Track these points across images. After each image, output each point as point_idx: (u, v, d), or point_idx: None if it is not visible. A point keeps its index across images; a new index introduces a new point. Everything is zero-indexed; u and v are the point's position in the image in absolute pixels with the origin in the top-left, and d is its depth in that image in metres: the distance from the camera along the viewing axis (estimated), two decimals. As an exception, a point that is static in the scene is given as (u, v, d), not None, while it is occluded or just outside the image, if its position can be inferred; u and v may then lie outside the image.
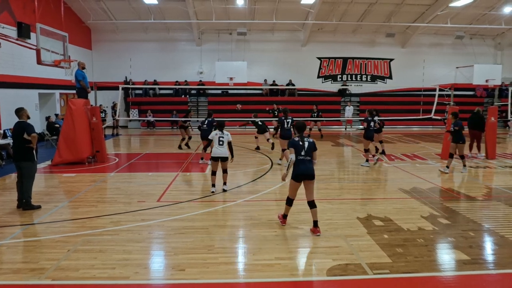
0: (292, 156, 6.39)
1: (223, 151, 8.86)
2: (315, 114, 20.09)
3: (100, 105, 20.18)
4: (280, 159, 12.68)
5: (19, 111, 7.89)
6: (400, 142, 18.55)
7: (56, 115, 18.68)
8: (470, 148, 14.12)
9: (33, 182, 7.85)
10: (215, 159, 8.90)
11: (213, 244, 5.88)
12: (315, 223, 6.41)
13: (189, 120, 16.65)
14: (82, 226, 6.75)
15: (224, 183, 9.18)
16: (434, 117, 14.11)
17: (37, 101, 18.97)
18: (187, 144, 16.35)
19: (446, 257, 5.61)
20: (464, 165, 11.53)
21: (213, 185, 9.02)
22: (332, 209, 7.73)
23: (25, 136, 7.58)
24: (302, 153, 6.40)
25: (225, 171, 9.09)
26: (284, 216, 6.84)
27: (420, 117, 16.71)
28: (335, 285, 4.77)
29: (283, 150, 11.87)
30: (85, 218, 7.14)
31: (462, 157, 11.51)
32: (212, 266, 5.16)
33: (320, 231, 6.35)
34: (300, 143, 6.44)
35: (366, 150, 12.63)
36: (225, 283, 4.78)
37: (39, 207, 7.79)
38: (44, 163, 12.63)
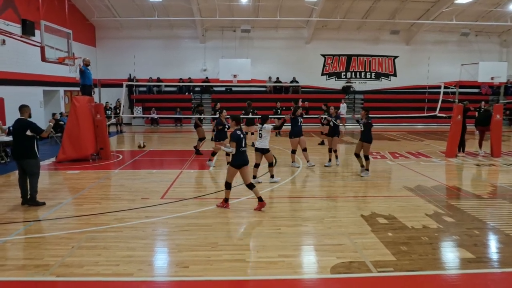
0: (233, 150, 7.23)
1: (262, 144, 9.46)
2: (218, 112, 19.31)
3: (106, 102, 20.25)
4: (292, 162, 11.83)
5: (22, 108, 7.92)
6: (404, 140, 18.48)
7: (61, 113, 18.72)
8: (480, 146, 13.95)
9: (38, 178, 7.87)
10: (256, 151, 9.59)
11: (216, 242, 5.88)
12: (260, 198, 7.38)
13: (202, 117, 15.00)
14: (86, 223, 6.77)
15: (271, 176, 9.73)
16: (439, 114, 14.01)
17: (42, 98, 19.03)
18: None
19: (450, 255, 5.59)
20: (367, 169, 10.58)
21: (254, 177, 9.52)
22: (336, 207, 7.72)
23: (28, 133, 7.59)
24: (243, 145, 7.33)
25: (270, 164, 9.72)
26: (226, 200, 7.59)
27: (425, 114, 16.63)
28: (339, 283, 4.76)
29: (294, 151, 11.71)
30: (89, 215, 7.16)
31: (367, 158, 10.55)
32: (215, 263, 5.16)
33: (265, 205, 7.34)
34: (241, 136, 7.31)
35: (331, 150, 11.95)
36: (229, 280, 4.78)
37: (43, 203, 7.82)
38: (49, 160, 12.67)
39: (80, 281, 4.72)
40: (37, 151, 7.81)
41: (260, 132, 9.50)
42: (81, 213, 7.28)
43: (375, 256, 5.37)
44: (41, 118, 18.76)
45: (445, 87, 14.99)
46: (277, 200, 8.29)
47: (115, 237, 6.10)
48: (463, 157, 13.38)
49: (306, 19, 24.95)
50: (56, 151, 13.20)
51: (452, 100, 14.22)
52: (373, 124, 10.81)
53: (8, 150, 12.95)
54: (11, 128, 13.52)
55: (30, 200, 7.76)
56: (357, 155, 10.70)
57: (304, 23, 25.57)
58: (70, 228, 6.48)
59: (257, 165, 9.68)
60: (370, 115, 10.65)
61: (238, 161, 7.32)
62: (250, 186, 7.41)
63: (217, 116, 17.03)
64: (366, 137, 10.42)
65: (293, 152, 11.79)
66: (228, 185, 7.52)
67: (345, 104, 23.87)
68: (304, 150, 11.73)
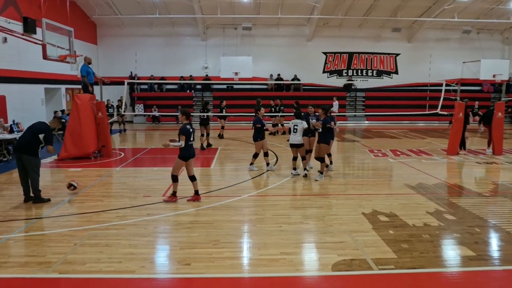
0: (183, 143, 7.51)
1: (295, 139, 9.80)
2: (276, 109, 18.92)
3: (108, 100, 20.21)
4: (306, 170, 10.24)
5: (56, 118, 8.35)
6: (406, 138, 18.47)
7: (62, 110, 18.73)
8: (488, 144, 13.87)
9: (38, 177, 7.89)
10: (291, 146, 10.00)
11: (218, 239, 5.90)
12: (197, 192, 7.85)
13: (208, 114, 15.35)
14: (89, 220, 6.79)
15: (304, 169, 10.04)
16: (440, 112, 14.00)
17: (43, 96, 19.07)
18: (208, 143, 15.09)
19: (451, 253, 5.60)
20: (321, 172, 9.86)
21: (294, 169, 10.18)
22: (338, 205, 7.72)
23: (41, 136, 7.69)
24: (191, 138, 7.68)
25: (303, 158, 10.03)
26: (174, 194, 7.81)
27: (426, 112, 16.60)
28: (340, 281, 4.77)
29: (305, 155, 10.29)
30: (91, 213, 7.18)
31: (322, 160, 9.81)
32: (217, 260, 5.18)
33: (200, 199, 7.74)
34: (191, 130, 7.64)
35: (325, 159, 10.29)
36: (230, 277, 4.80)
37: (48, 200, 7.88)
38: (50, 158, 12.70)
39: (83, 278, 4.74)
40: (38, 153, 7.86)
41: (296, 128, 9.78)
42: (83, 211, 7.31)
43: (376, 253, 5.38)
44: (42, 116, 18.79)
45: (446, 85, 14.96)
46: (279, 197, 8.30)
47: (117, 234, 6.13)
48: (464, 155, 13.37)
49: (307, 16, 24.91)
50: (58, 149, 13.22)
51: (453, 98, 14.21)
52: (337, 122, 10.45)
53: (10, 148, 12.99)
54: (13, 125, 13.62)
55: (34, 198, 7.80)
56: (320, 159, 9.83)
57: (305, 20, 25.54)
58: (72, 226, 6.50)
59: (294, 158, 10.17)
60: (330, 114, 10.02)
61: (186, 154, 7.68)
62: (193, 179, 7.85)
63: (223, 113, 17.22)
64: (324, 138, 9.73)
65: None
66: (175, 178, 7.79)
67: (337, 102, 22.73)
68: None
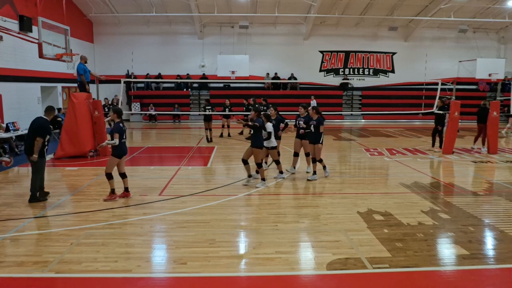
0: (117, 141, 7.66)
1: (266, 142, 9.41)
2: (227, 109, 18.18)
3: (105, 98, 20.20)
4: (309, 169, 10.22)
5: (49, 110, 8.20)
6: (401, 136, 18.55)
7: (59, 109, 18.68)
8: (475, 141, 14.14)
9: (39, 176, 7.91)
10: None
11: (214, 238, 5.93)
12: (127, 189, 8.03)
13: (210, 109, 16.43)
14: (85, 219, 6.81)
15: (280, 172, 9.86)
16: (436, 111, 14.06)
17: (39, 95, 19.01)
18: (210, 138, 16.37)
19: (445, 251, 5.65)
20: (314, 172, 9.70)
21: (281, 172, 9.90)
22: (333, 204, 7.76)
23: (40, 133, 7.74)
24: (124, 136, 7.86)
25: (307, 154, 10.05)
26: (113, 191, 7.91)
27: (422, 111, 16.66)
28: (335, 279, 4.81)
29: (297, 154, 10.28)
30: (87, 212, 7.20)
31: (320, 160, 9.67)
32: (213, 259, 5.21)
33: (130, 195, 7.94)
34: (124, 128, 7.86)
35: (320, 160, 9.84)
36: (226, 276, 4.83)
37: (45, 199, 7.88)
38: (47, 157, 12.65)
39: (79, 277, 4.76)
40: (44, 151, 7.90)
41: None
42: (79, 210, 7.33)
43: (371, 252, 5.43)
44: (39, 115, 18.70)
45: (442, 84, 15.03)
46: (275, 197, 8.34)
47: (114, 233, 6.15)
48: (437, 151, 13.62)
49: (304, 15, 24.94)
50: (54, 148, 13.21)
51: (449, 96, 14.28)
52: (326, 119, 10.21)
53: (6, 146, 12.96)
54: (9, 124, 13.59)
55: (30, 197, 7.80)
56: (318, 160, 9.71)
57: (302, 19, 25.56)
58: (69, 225, 6.51)
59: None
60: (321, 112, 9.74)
61: (120, 152, 7.82)
62: (123, 176, 8.04)
63: (226, 112, 17.25)
64: (316, 137, 9.43)
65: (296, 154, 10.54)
66: (109, 176, 7.86)
67: (314, 101, 22.66)
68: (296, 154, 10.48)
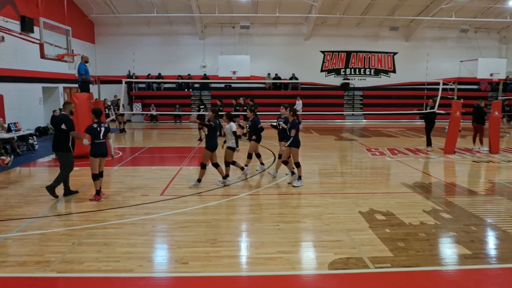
0: (86, 141, 7.75)
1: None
2: (201, 109, 18.02)
3: (105, 99, 20.15)
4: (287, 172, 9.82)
5: (65, 105, 8.43)
6: (403, 136, 18.53)
7: (60, 109, 18.70)
8: (473, 141, 14.16)
9: (66, 172, 8.10)
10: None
11: (215, 238, 5.93)
12: (98, 192, 7.89)
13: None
14: (87, 219, 6.81)
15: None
16: (437, 111, 14.04)
17: (41, 95, 19.04)
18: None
19: (447, 251, 5.64)
20: (300, 176, 9.14)
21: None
22: (335, 203, 7.75)
23: (63, 126, 7.93)
24: (100, 137, 7.82)
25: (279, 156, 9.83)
26: (98, 193, 7.89)
27: (424, 111, 16.58)
28: (336, 279, 4.81)
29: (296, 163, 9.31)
30: (89, 212, 7.20)
31: (297, 165, 9.08)
32: (214, 259, 5.21)
33: (101, 198, 7.84)
34: (98, 129, 7.80)
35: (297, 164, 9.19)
36: (227, 276, 4.83)
37: (56, 197, 8.01)
38: (48, 157, 12.71)
39: (81, 277, 4.77)
40: (70, 146, 8.07)
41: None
42: (81, 210, 7.33)
43: (373, 252, 5.42)
44: (40, 115, 18.79)
45: (444, 84, 15.01)
46: (276, 196, 8.34)
47: (115, 233, 6.15)
48: (431, 151, 13.70)
49: (305, 15, 24.94)
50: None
51: (451, 96, 14.26)
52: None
53: (8, 147, 12.98)
54: (10, 125, 13.62)
55: (49, 186, 7.99)
56: (285, 163, 9.34)
57: (303, 19, 25.56)
58: (70, 225, 6.52)
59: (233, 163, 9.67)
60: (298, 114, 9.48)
61: (94, 151, 7.84)
62: (100, 175, 7.97)
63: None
64: (294, 141, 8.93)
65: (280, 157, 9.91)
66: (95, 176, 7.88)
67: (300, 101, 22.36)
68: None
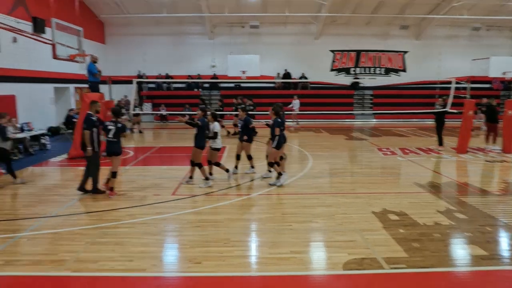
0: (102, 138, 8.17)
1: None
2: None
3: (121, 99, 20.30)
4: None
5: (91, 103, 8.49)
6: (414, 136, 18.36)
7: (72, 109, 18.85)
8: (486, 140, 13.99)
9: (95, 170, 8.28)
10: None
11: (228, 238, 5.92)
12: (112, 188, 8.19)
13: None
14: (99, 218, 6.84)
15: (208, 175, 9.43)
16: (450, 110, 13.88)
17: (53, 95, 19.19)
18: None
19: (463, 252, 5.56)
20: (279, 174, 9.04)
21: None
22: (346, 203, 7.70)
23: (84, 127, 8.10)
24: (109, 135, 7.99)
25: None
26: (112, 189, 8.15)
27: (435, 110, 16.43)
28: (351, 280, 4.76)
29: (275, 162, 9.07)
30: (101, 211, 7.23)
31: (271, 164, 9.10)
32: (228, 259, 5.19)
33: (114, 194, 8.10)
34: (109, 127, 8.01)
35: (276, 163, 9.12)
36: (241, 276, 4.81)
37: (103, 192, 8.29)
38: (61, 157, 12.81)
39: (95, 276, 4.79)
40: (96, 145, 8.19)
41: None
42: (93, 209, 7.37)
43: (387, 252, 5.37)
44: (52, 115, 18.95)
45: (456, 83, 14.83)
46: (288, 196, 8.29)
47: (128, 233, 6.17)
48: (442, 151, 13.52)
49: (315, 14, 24.82)
50: (67, 148, 13.34)
51: (463, 95, 14.10)
52: (285, 120, 9.72)
53: (20, 146, 13.10)
54: (23, 125, 13.74)
55: (92, 189, 8.27)
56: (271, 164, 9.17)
57: (313, 18, 25.45)
58: (84, 224, 6.56)
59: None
60: (280, 113, 9.09)
61: (106, 149, 8.16)
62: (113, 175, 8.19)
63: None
64: (274, 139, 8.92)
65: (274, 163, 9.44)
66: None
67: (297, 100, 21.85)
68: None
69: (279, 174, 9.03)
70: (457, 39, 27.29)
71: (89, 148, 8.05)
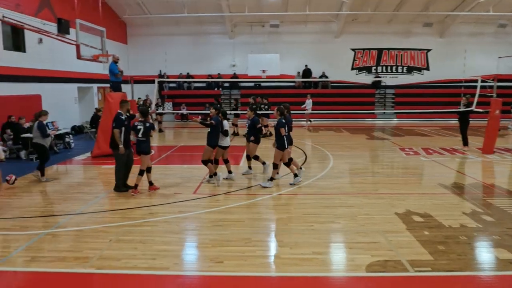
0: (132, 137, 8.46)
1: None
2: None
3: (147, 97, 20.56)
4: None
5: (121, 103, 8.76)
6: (438, 136, 17.99)
7: (96, 108, 19.16)
8: None
9: (120, 169, 8.42)
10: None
11: (250, 237, 5.90)
12: (151, 183, 8.53)
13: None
14: (122, 216, 6.93)
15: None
16: (475, 109, 13.52)
17: (76, 95, 19.58)
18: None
19: (490, 256, 5.40)
20: (271, 178, 8.92)
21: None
22: (369, 204, 7.59)
23: (114, 124, 8.29)
24: (139, 135, 8.18)
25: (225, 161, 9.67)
26: (135, 187, 8.27)
27: (459, 109, 16.05)
28: (375, 282, 4.68)
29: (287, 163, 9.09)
30: (124, 209, 7.32)
31: (275, 166, 8.92)
32: (249, 259, 5.18)
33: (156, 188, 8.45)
34: (138, 127, 8.20)
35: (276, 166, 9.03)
36: (263, 276, 4.79)
37: (126, 191, 8.41)
38: (84, 155, 13.05)
39: (119, 274, 4.84)
40: (122, 145, 8.29)
41: None
42: (116, 207, 7.47)
43: (411, 255, 5.25)
44: (76, 114, 19.33)
45: (482, 81, 14.44)
46: (309, 196, 8.21)
47: (150, 231, 6.23)
48: (467, 151, 13.24)
49: (335, 12, 24.59)
50: (91, 146, 13.58)
51: (489, 94, 13.72)
52: (293, 120, 9.65)
53: (32, 146, 13.38)
54: (48, 124, 14.05)
55: (115, 186, 8.47)
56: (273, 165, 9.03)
57: (333, 17, 25.22)
58: (107, 222, 6.65)
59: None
60: (287, 113, 9.05)
61: (136, 148, 8.34)
62: (140, 173, 8.31)
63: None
64: (277, 141, 8.80)
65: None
66: (139, 172, 8.33)
67: (310, 100, 21.28)
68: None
69: (271, 178, 8.95)
70: (482, 36, 26.59)
71: (121, 146, 8.21)
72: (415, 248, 5.48)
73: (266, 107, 17.57)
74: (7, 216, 7.01)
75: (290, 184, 8.96)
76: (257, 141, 9.85)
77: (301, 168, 9.58)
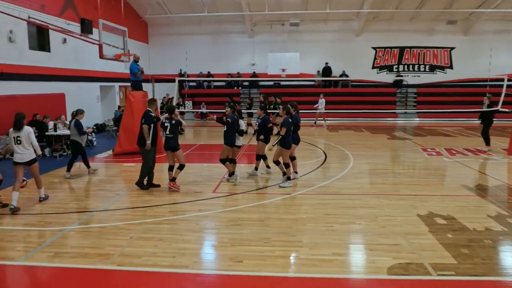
0: (162, 134, 8.68)
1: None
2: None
3: (169, 96, 20.80)
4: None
5: (149, 102, 8.95)
6: (461, 136, 17.61)
7: (119, 107, 19.45)
8: None
9: (146, 166, 8.61)
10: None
11: (269, 237, 5.88)
12: (174, 179, 8.53)
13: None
14: (143, 214, 7.01)
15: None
16: (501, 109, 13.17)
17: (99, 94, 19.92)
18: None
19: (517, 260, 5.25)
20: (288, 177, 8.92)
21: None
22: (390, 205, 7.47)
23: (143, 121, 8.47)
24: (166, 131, 8.39)
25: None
26: (173, 179, 8.50)
27: (484, 109, 15.66)
28: (396, 285, 4.60)
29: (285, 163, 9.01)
30: (145, 207, 7.41)
31: (287, 165, 8.91)
32: (269, 259, 5.16)
33: (177, 187, 8.46)
34: (166, 124, 8.41)
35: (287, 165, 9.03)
36: (283, 276, 4.76)
37: (147, 188, 8.60)
38: (106, 153, 13.27)
39: (140, 271, 4.89)
40: (150, 141, 8.45)
41: None
42: (137, 205, 7.56)
43: (434, 258, 5.15)
44: (98, 113, 19.68)
45: (508, 80, 14.05)
46: (329, 196, 8.14)
47: (171, 229, 6.28)
48: (489, 151, 12.99)
49: (356, 11, 24.32)
50: (112, 144, 13.80)
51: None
52: (301, 119, 9.58)
53: (69, 143, 13.66)
54: (71, 122, 14.31)
55: (137, 181, 8.65)
56: (276, 163, 9.16)
57: (354, 15, 24.95)
58: (128, 219, 6.74)
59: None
60: (295, 112, 9.00)
61: (164, 145, 8.57)
62: (170, 168, 8.63)
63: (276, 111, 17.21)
64: (283, 141, 8.72)
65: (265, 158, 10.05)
66: (168, 167, 8.70)
67: (323, 99, 21.02)
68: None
69: (288, 177, 8.90)
70: (508, 34, 25.86)
71: (148, 142, 8.36)
72: (438, 251, 5.37)
73: (280, 106, 17.42)
74: (33, 212, 7.18)
75: (280, 187, 8.77)
76: (266, 140, 9.75)
77: (296, 173, 9.54)
